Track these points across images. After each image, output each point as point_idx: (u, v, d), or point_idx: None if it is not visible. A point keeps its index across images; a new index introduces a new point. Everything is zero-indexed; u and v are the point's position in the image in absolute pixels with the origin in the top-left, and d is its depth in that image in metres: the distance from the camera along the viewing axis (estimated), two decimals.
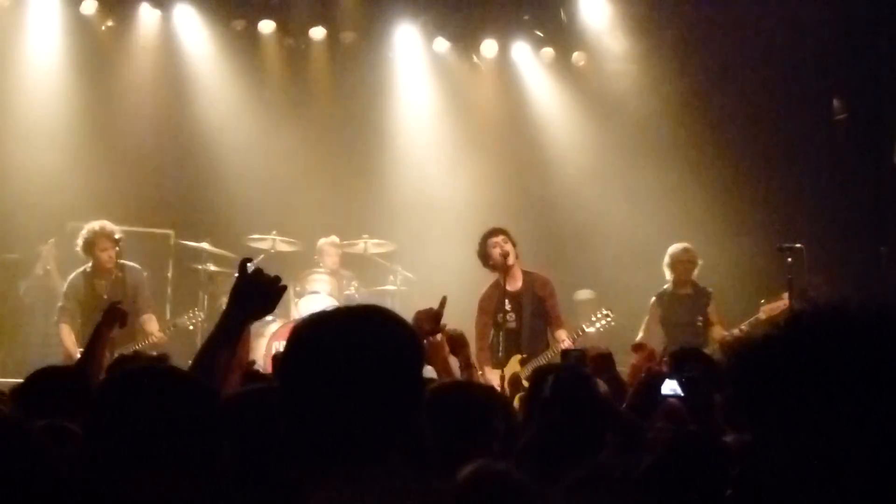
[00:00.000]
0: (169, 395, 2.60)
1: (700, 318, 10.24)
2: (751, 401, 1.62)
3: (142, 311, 9.90)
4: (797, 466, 1.54)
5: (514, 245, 9.62)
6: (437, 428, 3.77)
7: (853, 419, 1.51)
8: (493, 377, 8.70)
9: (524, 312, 9.51)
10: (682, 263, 10.48)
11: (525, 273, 9.73)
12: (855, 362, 1.53)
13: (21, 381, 5.04)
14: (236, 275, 3.61)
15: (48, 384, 4.63)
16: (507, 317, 9.49)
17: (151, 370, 3.03)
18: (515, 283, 9.64)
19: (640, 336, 10.01)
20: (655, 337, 10.05)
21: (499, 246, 9.55)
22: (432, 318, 4.93)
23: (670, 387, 4.23)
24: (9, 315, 11.40)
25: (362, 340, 2.23)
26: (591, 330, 9.50)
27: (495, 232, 9.69)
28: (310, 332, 2.30)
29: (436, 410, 3.86)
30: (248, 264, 3.59)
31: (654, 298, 10.56)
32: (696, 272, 10.55)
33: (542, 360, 8.98)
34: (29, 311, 11.42)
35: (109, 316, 6.32)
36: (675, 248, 10.59)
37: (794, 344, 1.59)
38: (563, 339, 9.31)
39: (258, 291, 3.52)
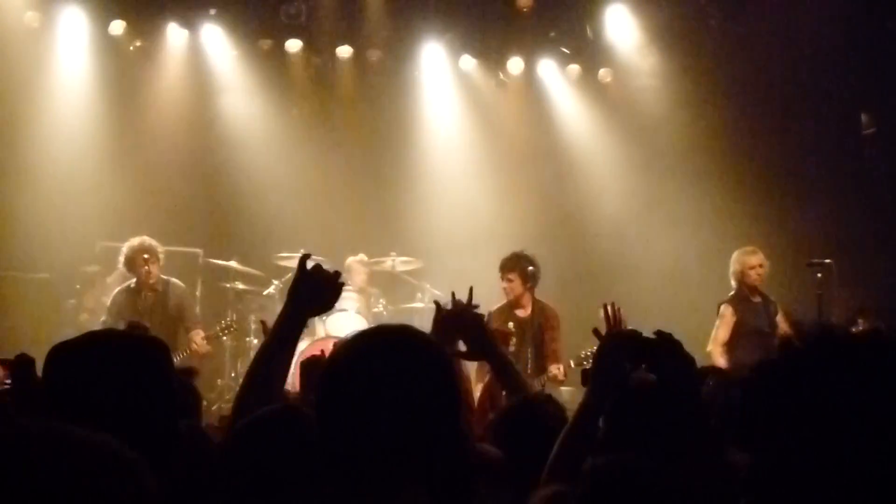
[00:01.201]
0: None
1: (769, 327, 9.80)
2: (770, 422, 1.61)
3: (190, 326, 10.05)
4: (811, 488, 1.54)
5: (524, 276, 9.67)
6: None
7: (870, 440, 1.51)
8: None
9: (525, 339, 9.62)
10: (754, 269, 9.94)
11: (536, 302, 9.82)
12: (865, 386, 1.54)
13: None
14: (294, 274, 3.54)
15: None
16: (510, 340, 9.54)
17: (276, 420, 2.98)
18: (525, 311, 9.80)
19: (709, 347, 9.73)
20: (724, 346, 9.79)
21: (503, 281, 9.74)
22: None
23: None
24: (45, 334, 11.39)
25: (402, 369, 2.23)
26: (575, 367, 9.40)
27: (503, 267, 9.79)
28: (351, 355, 2.30)
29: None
30: (308, 261, 3.51)
31: (726, 304, 9.98)
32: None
33: (537, 385, 8.97)
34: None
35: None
36: (744, 254, 10.05)
37: (812, 367, 1.59)
38: (553, 370, 9.40)
39: (316, 288, 3.47)
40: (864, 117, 12.79)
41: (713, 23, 12.75)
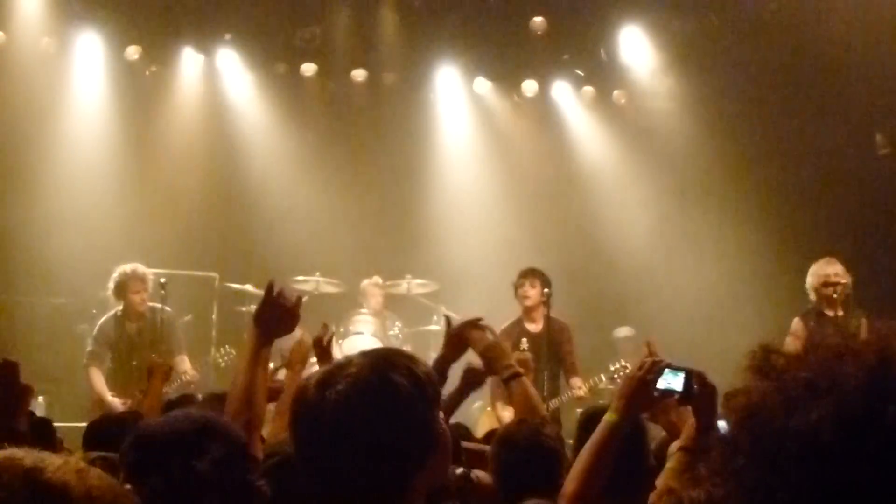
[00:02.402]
0: None
1: None
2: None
3: (175, 353, 9.79)
4: None
5: (543, 288, 9.58)
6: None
7: None
8: (506, 414, 8.29)
9: (540, 355, 9.29)
10: (829, 281, 9.19)
11: (547, 317, 9.59)
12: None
13: (82, 424, 5.09)
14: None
15: (109, 430, 4.69)
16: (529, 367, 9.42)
17: None
18: (536, 325, 9.67)
19: None
20: None
21: (524, 288, 9.70)
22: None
23: (668, 380, 3.57)
24: (61, 357, 11.40)
25: (367, 403, 2.20)
26: (606, 382, 9.39)
27: (525, 273, 9.78)
28: (314, 395, 2.25)
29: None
30: (274, 286, 3.78)
31: (797, 319, 9.33)
32: (847, 290, 9.19)
33: (552, 405, 8.91)
34: None
35: (155, 375, 6.46)
36: (822, 265, 9.31)
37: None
38: (579, 387, 9.31)
39: (274, 313, 3.74)
40: (879, 137, 12.75)
41: (727, 45, 12.74)
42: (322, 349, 5.19)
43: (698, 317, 12.25)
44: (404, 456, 2.19)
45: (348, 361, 2.29)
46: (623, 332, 12.54)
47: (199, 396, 6.77)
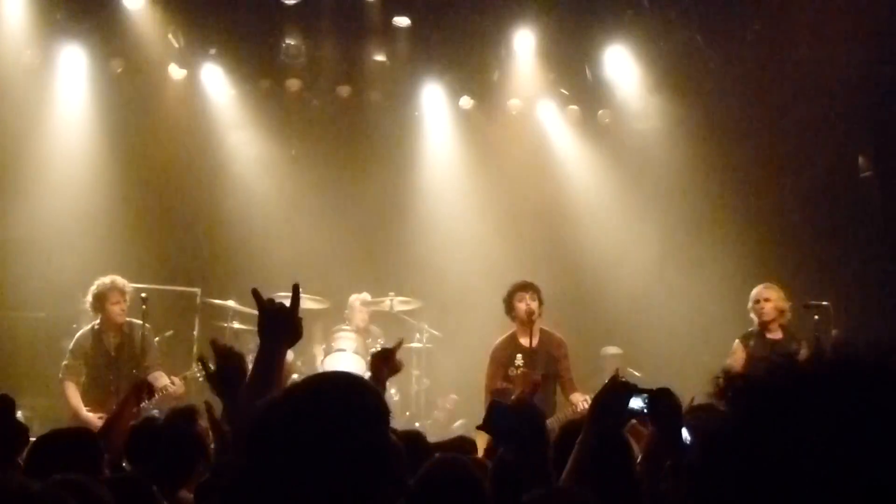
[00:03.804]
0: None
1: None
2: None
3: (152, 369, 9.67)
4: None
5: (540, 303, 9.53)
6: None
7: None
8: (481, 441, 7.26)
9: (536, 370, 9.25)
10: (759, 303, 9.85)
11: (542, 331, 9.56)
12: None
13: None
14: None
15: (56, 446, 4.62)
16: (518, 371, 9.35)
17: None
18: (532, 340, 9.44)
19: None
20: None
21: (525, 301, 9.50)
22: (386, 358, 4.86)
23: (637, 403, 3.88)
24: (41, 371, 11.29)
25: (316, 427, 2.20)
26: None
27: (526, 287, 9.62)
28: (266, 420, 2.26)
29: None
30: (259, 295, 3.52)
31: (737, 341, 9.97)
32: (785, 315, 9.87)
33: (550, 425, 8.75)
34: None
35: (138, 391, 6.39)
36: (756, 288, 9.99)
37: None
38: (584, 399, 9.05)
39: (276, 322, 3.47)
40: (861, 160, 12.81)
41: (712, 65, 12.78)
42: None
43: (684, 335, 12.25)
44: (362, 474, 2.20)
45: (298, 387, 2.35)
46: (611, 350, 12.55)
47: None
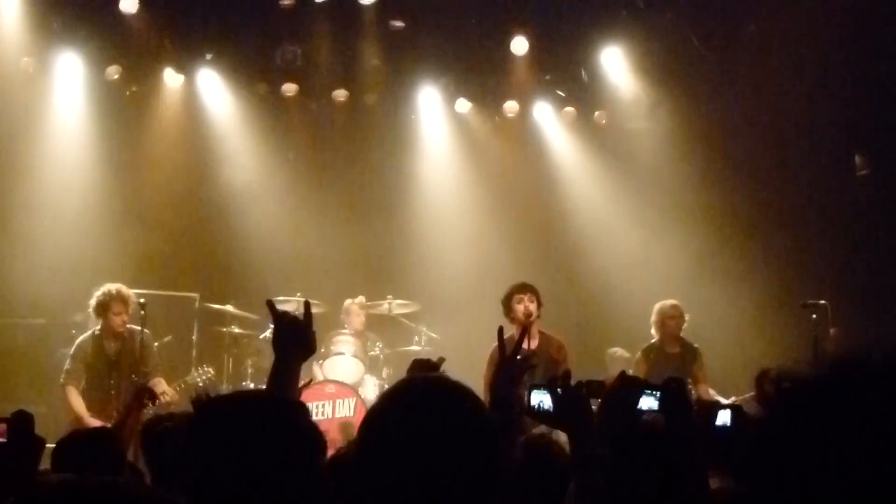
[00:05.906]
0: None
1: (688, 379, 9.76)
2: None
3: (151, 375, 9.67)
4: None
5: (539, 305, 9.51)
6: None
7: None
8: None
9: (536, 373, 9.23)
10: (672, 319, 10.37)
11: (542, 334, 9.54)
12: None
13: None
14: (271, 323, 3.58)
15: (80, 446, 4.66)
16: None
17: None
18: (531, 342, 9.36)
19: None
20: None
21: (523, 303, 9.45)
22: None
23: (648, 403, 3.77)
24: (40, 378, 11.30)
25: (436, 424, 2.22)
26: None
27: (524, 288, 9.57)
28: (388, 411, 2.30)
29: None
30: (275, 306, 3.58)
31: (639, 354, 10.49)
32: (683, 328, 10.46)
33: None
34: None
35: (140, 397, 6.41)
36: (662, 304, 10.50)
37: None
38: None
39: (292, 334, 3.50)
40: (857, 158, 12.83)
41: (708, 66, 12.80)
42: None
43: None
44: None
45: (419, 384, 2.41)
46: (617, 352, 12.51)
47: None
